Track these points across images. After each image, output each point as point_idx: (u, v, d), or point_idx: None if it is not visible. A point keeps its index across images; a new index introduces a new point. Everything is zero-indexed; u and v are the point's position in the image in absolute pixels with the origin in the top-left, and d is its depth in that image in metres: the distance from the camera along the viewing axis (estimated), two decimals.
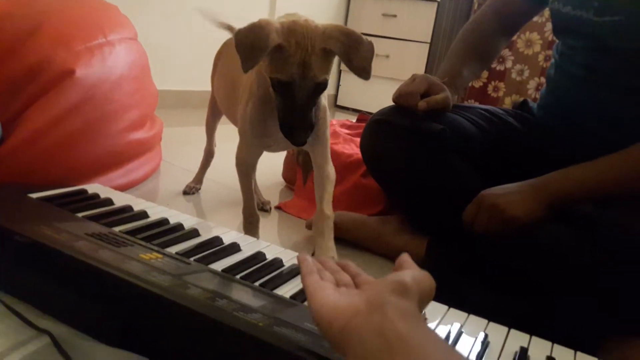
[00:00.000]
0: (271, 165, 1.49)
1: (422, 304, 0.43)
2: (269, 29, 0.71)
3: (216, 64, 1.25)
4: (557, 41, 1.15)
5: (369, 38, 0.75)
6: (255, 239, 0.85)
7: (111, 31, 1.22)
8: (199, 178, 1.42)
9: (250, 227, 1.02)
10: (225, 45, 1.24)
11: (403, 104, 1.03)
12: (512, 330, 0.66)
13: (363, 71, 0.74)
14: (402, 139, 1.03)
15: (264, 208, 1.35)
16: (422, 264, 1.03)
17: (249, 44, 0.71)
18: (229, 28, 1.19)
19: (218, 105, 1.24)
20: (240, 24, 0.75)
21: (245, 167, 1.00)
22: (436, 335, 0.39)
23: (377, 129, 1.08)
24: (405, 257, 0.50)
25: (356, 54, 0.74)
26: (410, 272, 0.45)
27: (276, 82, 0.76)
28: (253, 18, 0.75)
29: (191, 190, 1.38)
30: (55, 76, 1.06)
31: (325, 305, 0.43)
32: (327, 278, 0.51)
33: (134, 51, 1.31)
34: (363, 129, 1.14)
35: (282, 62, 0.74)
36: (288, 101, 0.76)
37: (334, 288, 0.47)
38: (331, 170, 0.97)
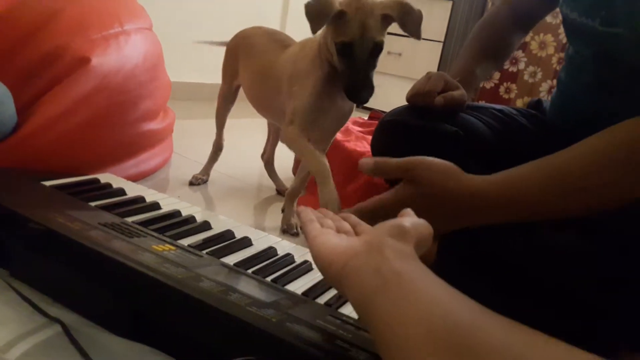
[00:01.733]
0: (282, 162, 1.49)
1: (419, 248, 0.45)
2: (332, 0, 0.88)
3: (234, 57, 1.24)
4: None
5: None
6: (265, 234, 0.85)
7: (127, 20, 1.22)
8: (206, 170, 1.42)
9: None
10: (241, 37, 1.24)
11: (419, 103, 1.02)
12: None
13: (415, 33, 0.91)
14: (414, 141, 1.02)
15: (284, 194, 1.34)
16: (433, 265, 1.03)
17: (316, 11, 0.88)
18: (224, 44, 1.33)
19: (248, 100, 1.24)
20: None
21: (300, 136, 1.00)
22: (432, 274, 0.39)
23: (389, 130, 1.07)
24: (407, 210, 0.51)
25: (409, 19, 0.90)
26: (409, 218, 0.47)
27: (340, 45, 0.90)
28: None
29: (197, 181, 1.38)
30: (71, 64, 1.06)
31: (326, 248, 0.45)
32: (327, 225, 0.52)
33: (149, 41, 1.30)
34: (374, 130, 1.13)
35: (344, 25, 0.89)
36: (351, 62, 0.91)
37: (334, 233, 0.49)
38: None
